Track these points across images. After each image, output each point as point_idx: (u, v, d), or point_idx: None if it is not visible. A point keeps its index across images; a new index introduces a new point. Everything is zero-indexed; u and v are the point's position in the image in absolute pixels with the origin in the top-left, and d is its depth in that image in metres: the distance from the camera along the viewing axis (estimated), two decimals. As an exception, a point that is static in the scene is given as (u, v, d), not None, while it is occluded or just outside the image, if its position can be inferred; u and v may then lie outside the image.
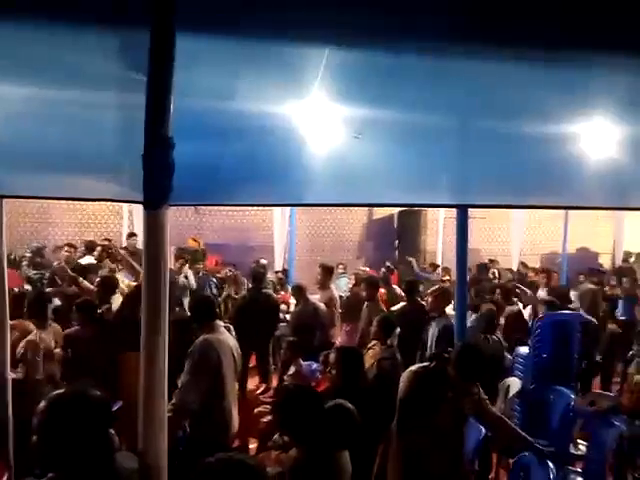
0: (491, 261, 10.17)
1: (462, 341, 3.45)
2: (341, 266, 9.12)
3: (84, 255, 7.68)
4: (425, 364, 3.20)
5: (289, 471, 2.45)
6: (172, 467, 1.78)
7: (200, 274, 7.79)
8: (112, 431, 1.80)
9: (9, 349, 3.26)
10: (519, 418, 4.57)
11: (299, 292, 6.28)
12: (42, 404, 1.74)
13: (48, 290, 5.81)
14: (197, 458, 1.65)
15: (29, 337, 4.16)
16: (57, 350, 4.32)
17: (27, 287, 6.33)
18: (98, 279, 5.65)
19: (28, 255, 7.49)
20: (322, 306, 6.11)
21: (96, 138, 1.88)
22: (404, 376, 3.15)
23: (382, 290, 6.85)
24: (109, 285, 5.36)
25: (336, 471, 2.51)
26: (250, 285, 6.71)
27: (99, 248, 7.46)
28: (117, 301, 5.31)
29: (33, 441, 1.72)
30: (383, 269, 8.39)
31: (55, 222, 10.56)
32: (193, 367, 3.40)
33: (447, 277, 8.33)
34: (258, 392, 6.11)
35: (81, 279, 5.91)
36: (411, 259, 9.18)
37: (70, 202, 9.53)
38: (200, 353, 3.43)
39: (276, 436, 3.09)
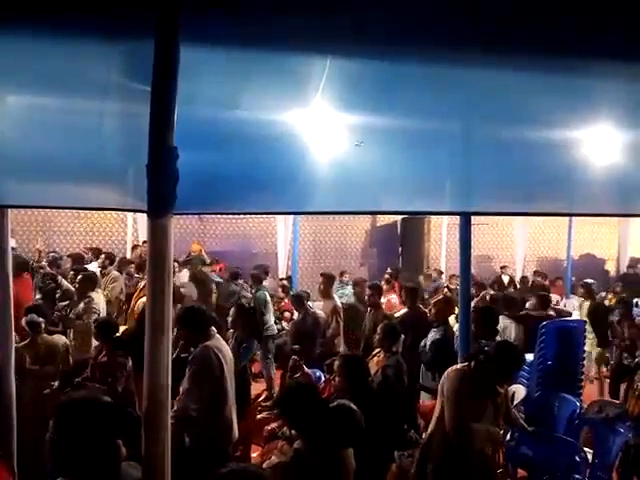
0: (502, 268, 10.22)
1: (500, 340, 3.75)
2: (346, 275, 9.13)
3: (90, 262, 7.72)
4: (464, 364, 3.23)
5: (290, 461, 2.48)
6: (174, 476, 1.77)
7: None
8: (119, 441, 1.79)
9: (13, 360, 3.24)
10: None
11: (299, 301, 6.27)
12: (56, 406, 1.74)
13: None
14: (199, 466, 1.63)
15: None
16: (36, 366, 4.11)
17: (38, 297, 6.12)
18: (80, 277, 5.76)
19: (44, 265, 7.43)
20: (322, 315, 6.08)
21: (101, 148, 1.89)
22: (448, 376, 3.17)
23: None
24: (89, 282, 5.66)
25: (336, 467, 2.53)
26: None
27: (102, 256, 7.49)
28: (96, 297, 5.50)
29: (47, 440, 1.72)
30: (386, 275, 8.40)
31: (60, 230, 10.60)
32: (194, 374, 3.39)
33: (454, 285, 8.30)
34: (260, 399, 6.09)
35: (60, 278, 5.93)
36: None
37: (75, 210, 9.58)
38: (201, 360, 3.42)
39: (285, 428, 3.12)
